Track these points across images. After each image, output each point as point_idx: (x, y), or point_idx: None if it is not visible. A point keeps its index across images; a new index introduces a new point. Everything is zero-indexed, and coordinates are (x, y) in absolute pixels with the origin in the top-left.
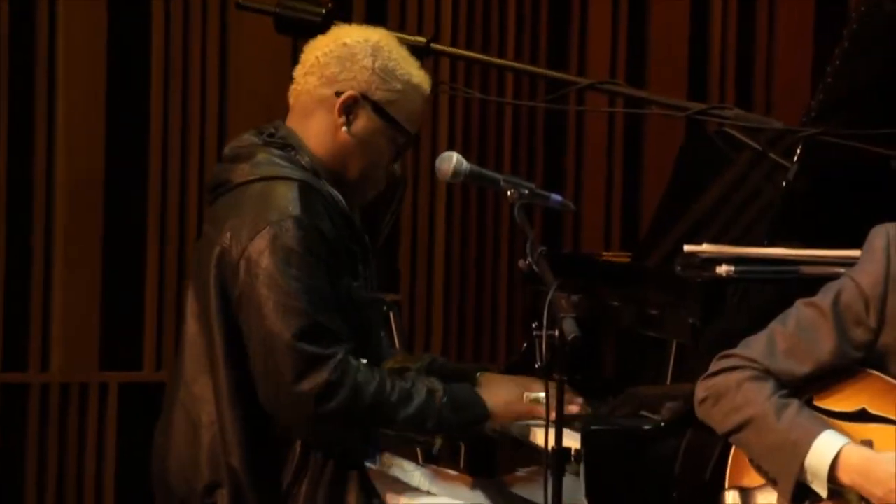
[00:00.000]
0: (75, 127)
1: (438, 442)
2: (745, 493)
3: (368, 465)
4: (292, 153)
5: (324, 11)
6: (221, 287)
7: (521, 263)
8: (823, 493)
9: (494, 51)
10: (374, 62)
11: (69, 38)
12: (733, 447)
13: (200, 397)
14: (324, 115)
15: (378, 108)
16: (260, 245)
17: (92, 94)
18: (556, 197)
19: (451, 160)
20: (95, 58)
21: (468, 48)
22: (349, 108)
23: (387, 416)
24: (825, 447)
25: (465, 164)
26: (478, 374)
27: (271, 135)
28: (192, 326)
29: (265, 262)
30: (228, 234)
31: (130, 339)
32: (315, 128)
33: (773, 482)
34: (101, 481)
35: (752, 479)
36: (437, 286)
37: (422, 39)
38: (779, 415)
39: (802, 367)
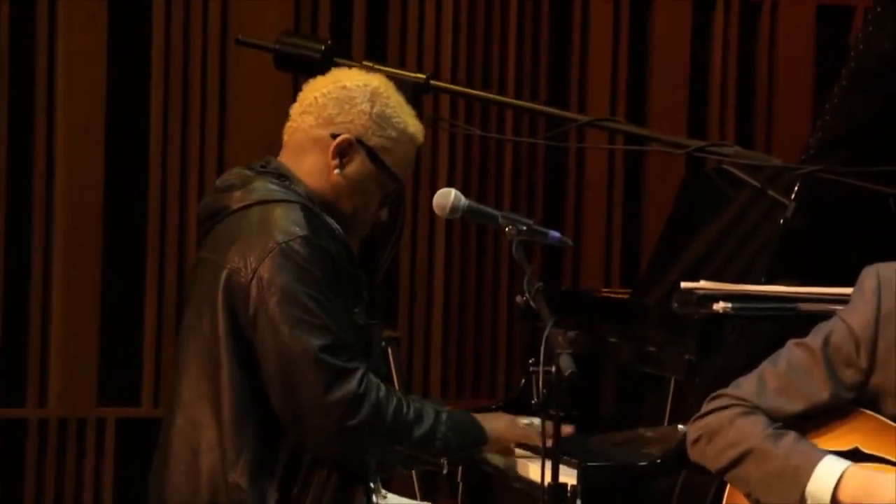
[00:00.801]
0: (74, 156)
1: (445, 465)
2: None
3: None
4: (287, 182)
5: (323, 48)
6: (231, 310)
7: (518, 299)
8: None
9: (495, 87)
10: (371, 107)
11: (68, 69)
12: (728, 487)
13: (200, 423)
14: (317, 155)
15: (372, 153)
16: (271, 265)
17: (91, 129)
18: (555, 234)
19: (450, 196)
20: (95, 92)
21: (468, 85)
22: (343, 151)
23: (403, 433)
24: (828, 471)
25: (462, 200)
26: None
27: (263, 166)
28: (191, 354)
29: (279, 280)
30: (236, 257)
31: (128, 374)
32: (308, 166)
33: None
34: None
35: None
36: (435, 322)
37: (422, 76)
38: (777, 444)
39: (792, 406)
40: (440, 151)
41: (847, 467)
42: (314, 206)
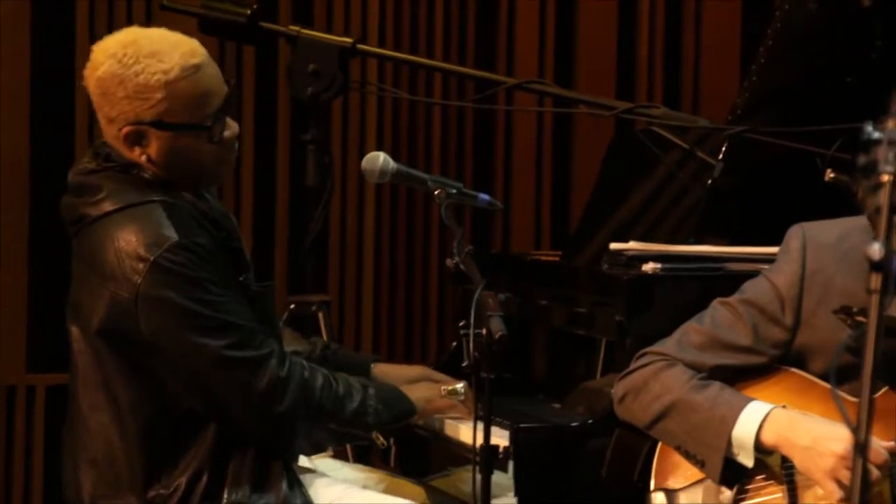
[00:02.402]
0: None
1: (381, 440)
2: (671, 495)
3: (301, 461)
4: (134, 171)
5: (248, 13)
6: (117, 333)
7: (448, 262)
8: (749, 463)
9: (423, 51)
10: (125, 89)
11: None
12: (658, 447)
13: (104, 433)
14: (127, 149)
15: (155, 125)
16: (152, 282)
17: (16, 96)
18: (484, 196)
19: (378, 160)
20: (20, 57)
21: (396, 49)
22: (135, 140)
23: (336, 409)
24: (752, 415)
25: (391, 164)
26: (371, 364)
27: (107, 158)
28: (82, 367)
29: (164, 296)
30: (111, 280)
31: (57, 341)
32: (132, 158)
33: (700, 464)
34: (30, 483)
35: (677, 479)
36: (366, 286)
37: (348, 40)
38: (701, 393)
39: (715, 360)
40: (368, 116)
41: (771, 409)
42: (172, 194)
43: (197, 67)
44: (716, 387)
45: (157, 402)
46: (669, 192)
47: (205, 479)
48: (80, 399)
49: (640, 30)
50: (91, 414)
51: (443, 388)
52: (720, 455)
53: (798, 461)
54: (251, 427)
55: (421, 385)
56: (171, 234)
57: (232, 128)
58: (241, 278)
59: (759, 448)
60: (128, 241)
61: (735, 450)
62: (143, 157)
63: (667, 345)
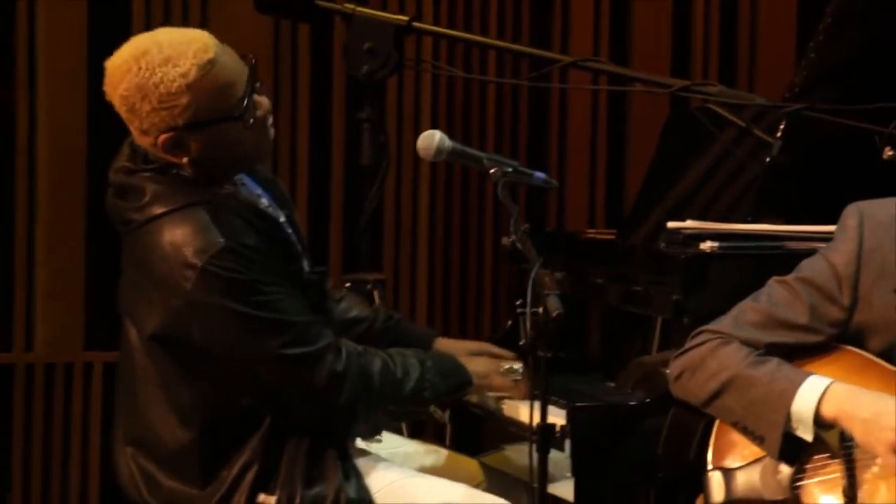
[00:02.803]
0: (57, 103)
1: (439, 413)
2: (728, 474)
3: (357, 442)
4: (174, 171)
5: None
6: (171, 338)
7: (504, 241)
8: (809, 437)
9: (477, 29)
10: (150, 102)
11: (50, 15)
12: (715, 425)
13: (154, 426)
14: (167, 155)
15: (189, 128)
16: (202, 288)
17: (73, 75)
18: (540, 174)
19: (434, 138)
20: (76, 36)
21: (450, 27)
22: (174, 147)
23: (395, 391)
24: (811, 389)
25: (447, 143)
26: (433, 339)
27: (145, 158)
28: (139, 362)
29: (215, 302)
30: (163, 287)
31: (115, 318)
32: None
33: (759, 440)
34: (87, 461)
35: (735, 458)
36: (420, 264)
37: (404, 18)
38: (759, 369)
39: (771, 337)
40: (423, 94)
41: (831, 383)
42: (216, 192)
43: (212, 62)
44: (773, 362)
45: (216, 400)
46: (725, 170)
47: (255, 469)
48: (137, 390)
49: (695, 7)
50: (149, 408)
51: (502, 365)
52: (779, 430)
53: (858, 435)
54: (312, 421)
55: (481, 359)
56: (218, 238)
57: (263, 106)
58: (292, 268)
59: (819, 422)
60: (175, 247)
61: (794, 424)
62: (186, 160)
63: (722, 323)
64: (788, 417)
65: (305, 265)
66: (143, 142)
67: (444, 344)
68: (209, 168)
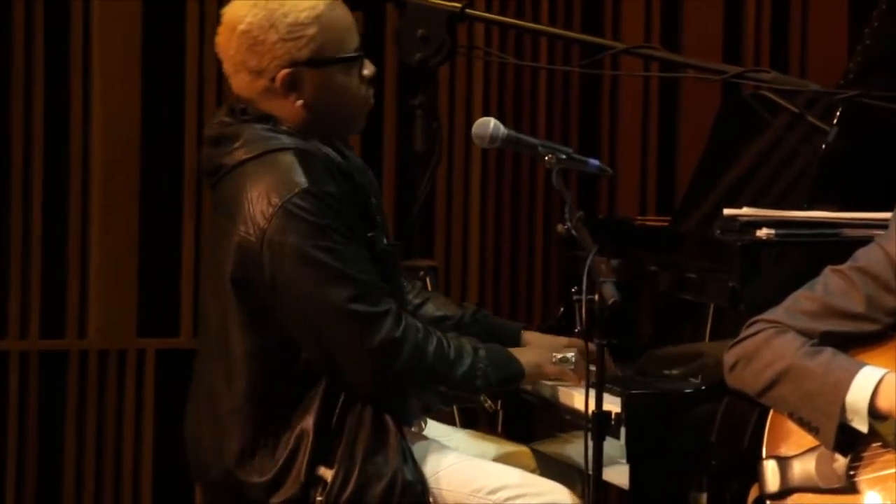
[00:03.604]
0: (111, 89)
1: (489, 403)
2: (783, 463)
3: (408, 427)
4: (271, 124)
5: None
6: (243, 279)
7: (559, 228)
8: (864, 428)
9: (528, 16)
10: (276, 32)
11: (104, 2)
12: (770, 414)
13: (218, 390)
14: (275, 100)
15: (313, 62)
16: (278, 226)
17: (127, 62)
18: (594, 162)
19: (489, 126)
20: (130, 23)
21: (502, 13)
22: (291, 84)
23: (446, 372)
24: (866, 380)
25: (502, 130)
26: (521, 331)
27: (244, 110)
28: (210, 316)
29: (289, 241)
30: (242, 225)
31: (168, 305)
32: (275, 111)
33: (814, 431)
34: (140, 448)
35: (790, 447)
36: (472, 252)
37: (457, 5)
38: (814, 360)
39: (826, 326)
40: (475, 80)
41: (886, 373)
42: (308, 144)
43: (335, 3)
44: (828, 352)
45: (279, 353)
46: (779, 156)
47: (311, 438)
48: (204, 357)
49: None
50: (213, 367)
51: (554, 354)
52: (834, 421)
53: None
54: (362, 383)
55: (532, 349)
56: (302, 180)
57: (370, 66)
58: (369, 234)
59: (874, 413)
60: (259, 186)
61: (849, 415)
62: (300, 103)
63: (776, 313)
64: (843, 409)
65: (384, 240)
66: (255, 86)
67: (531, 337)
68: (318, 117)
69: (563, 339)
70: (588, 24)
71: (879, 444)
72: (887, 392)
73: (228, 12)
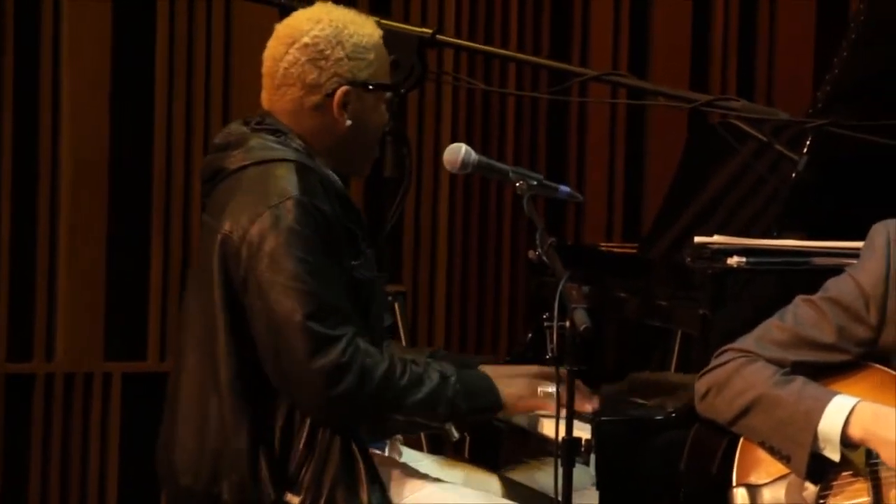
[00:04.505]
0: (80, 113)
1: (453, 433)
2: (753, 491)
3: (375, 450)
4: (283, 138)
5: (330, 3)
6: (225, 275)
7: (530, 254)
8: (836, 457)
9: (497, 41)
10: (343, 49)
11: (73, 22)
12: (740, 442)
13: (205, 387)
14: (319, 117)
15: (367, 85)
16: (261, 228)
17: (96, 83)
18: (564, 188)
19: (461, 152)
20: (100, 45)
21: (471, 39)
22: (345, 102)
23: (395, 400)
24: (838, 409)
25: (473, 156)
26: (479, 366)
27: (259, 122)
28: (193, 318)
29: (268, 244)
30: (228, 221)
31: (135, 329)
32: (309, 128)
33: (785, 459)
34: (105, 471)
35: (760, 475)
36: (440, 277)
37: (428, 31)
38: (785, 389)
39: (797, 356)
40: (444, 106)
41: (857, 402)
42: (312, 162)
43: (382, 39)
44: (799, 381)
45: (250, 362)
46: (748, 185)
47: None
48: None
49: (714, 20)
50: (197, 369)
51: (540, 388)
52: (806, 450)
53: (885, 455)
54: (305, 402)
55: (519, 380)
56: (294, 190)
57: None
58: (353, 262)
59: (846, 442)
60: (251, 191)
61: (821, 444)
62: (349, 123)
63: (747, 342)
64: (815, 437)
65: (365, 270)
66: (305, 101)
67: (490, 371)
68: (354, 137)
69: (530, 368)
70: (556, 50)
71: (850, 472)
72: (859, 421)
73: (287, 25)
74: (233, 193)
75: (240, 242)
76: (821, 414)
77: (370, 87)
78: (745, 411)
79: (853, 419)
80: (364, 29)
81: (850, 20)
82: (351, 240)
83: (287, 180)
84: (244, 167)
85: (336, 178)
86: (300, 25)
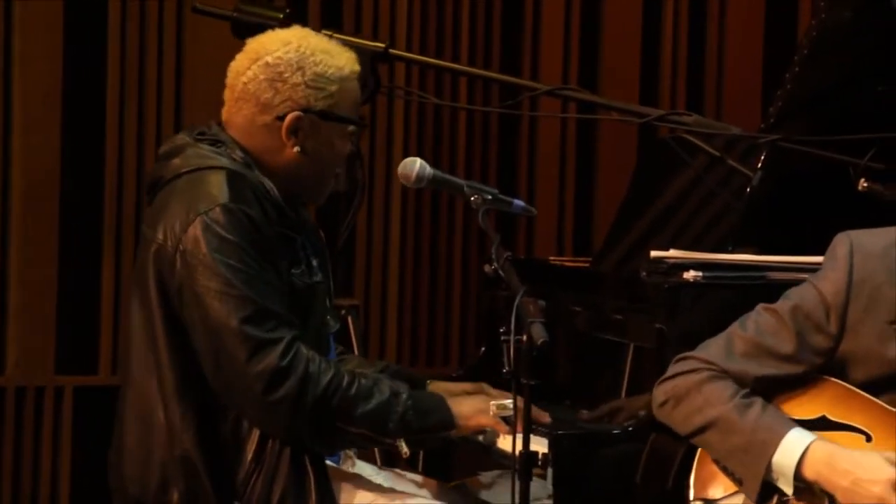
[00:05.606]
0: (31, 126)
1: (404, 448)
2: None
3: (329, 462)
4: (222, 148)
5: (281, 16)
6: (160, 284)
7: (486, 268)
8: (789, 490)
9: (448, 55)
10: (303, 75)
11: (25, 36)
12: (696, 456)
13: (150, 397)
14: (269, 137)
15: (324, 115)
16: (193, 235)
17: (48, 96)
18: (518, 202)
19: (415, 166)
20: (52, 59)
21: (422, 52)
22: (295, 129)
23: (342, 409)
24: (793, 445)
25: (428, 170)
26: (427, 381)
27: (202, 133)
28: (136, 329)
29: (200, 252)
30: (161, 230)
31: (86, 342)
32: (260, 146)
33: (738, 482)
34: (57, 485)
35: (717, 489)
36: (391, 290)
37: (381, 45)
38: (743, 415)
39: (760, 370)
40: (395, 120)
41: (812, 441)
42: (249, 171)
43: (356, 75)
44: (757, 407)
45: (192, 360)
46: (701, 199)
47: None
48: (133, 368)
49: (664, 36)
50: (143, 379)
51: (492, 404)
52: (758, 480)
53: (840, 498)
54: (245, 406)
55: (471, 399)
56: (223, 196)
57: (354, 145)
58: (293, 270)
59: (799, 479)
60: (183, 199)
61: (774, 475)
62: (296, 150)
63: (710, 350)
64: (769, 468)
65: (306, 277)
66: (255, 120)
67: (437, 386)
68: (303, 166)
69: (467, 386)
70: (507, 64)
71: (804, 490)
72: (813, 464)
73: (257, 41)
74: (167, 202)
75: (173, 251)
76: (775, 447)
77: (325, 115)
78: (702, 429)
79: (807, 460)
80: (334, 60)
81: (801, 35)
82: (287, 246)
83: (216, 187)
84: (179, 175)
85: (272, 186)
86: (268, 44)
